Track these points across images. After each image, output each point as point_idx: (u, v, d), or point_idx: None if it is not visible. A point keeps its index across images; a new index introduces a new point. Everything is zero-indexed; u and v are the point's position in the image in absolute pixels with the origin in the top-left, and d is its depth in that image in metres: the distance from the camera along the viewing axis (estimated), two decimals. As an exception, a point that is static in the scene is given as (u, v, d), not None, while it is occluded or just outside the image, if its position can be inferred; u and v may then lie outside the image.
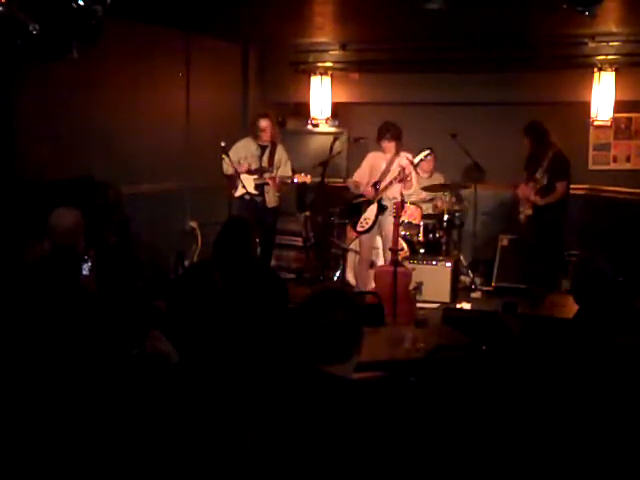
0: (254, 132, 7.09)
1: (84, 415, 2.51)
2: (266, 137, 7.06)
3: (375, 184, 6.70)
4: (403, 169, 6.51)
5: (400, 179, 6.54)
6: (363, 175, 6.84)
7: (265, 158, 7.07)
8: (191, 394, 2.69)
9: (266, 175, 7.01)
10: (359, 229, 6.79)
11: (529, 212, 6.84)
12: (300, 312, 2.40)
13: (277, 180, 6.99)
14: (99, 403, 2.52)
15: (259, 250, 6.75)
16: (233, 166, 6.89)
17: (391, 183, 6.62)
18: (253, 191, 6.98)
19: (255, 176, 7.01)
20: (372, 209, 6.72)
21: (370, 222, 6.71)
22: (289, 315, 3.84)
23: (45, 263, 4.10)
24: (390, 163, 6.68)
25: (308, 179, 6.97)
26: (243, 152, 7.05)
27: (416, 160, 6.54)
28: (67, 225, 4.22)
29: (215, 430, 2.52)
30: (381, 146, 6.70)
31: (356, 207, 6.82)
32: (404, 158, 6.60)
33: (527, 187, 6.83)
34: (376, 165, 6.78)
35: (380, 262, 7.01)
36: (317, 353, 2.34)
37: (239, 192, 7.01)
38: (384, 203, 6.67)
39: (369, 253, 6.94)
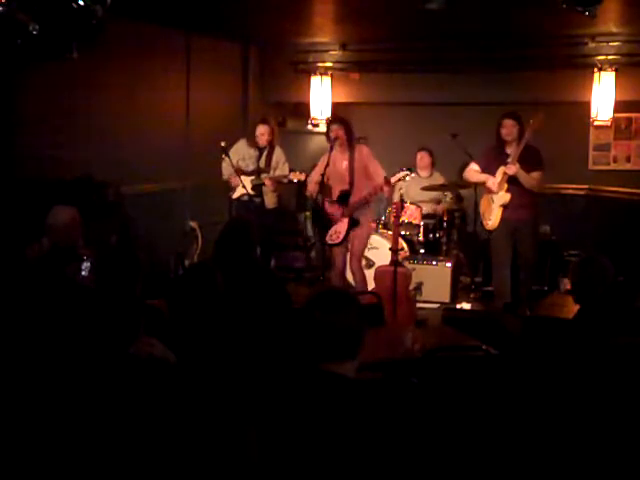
0: (252, 136, 7.10)
1: (82, 414, 2.51)
2: (263, 142, 7.07)
3: (343, 196, 6.32)
4: (367, 170, 6.21)
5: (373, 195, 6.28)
6: (318, 181, 6.35)
7: (263, 159, 7.08)
8: (192, 394, 2.69)
9: (263, 176, 7.01)
10: (329, 241, 6.42)
11: (504, 199, 6.28)
12: (304, 312, 2.41)
13: (273, 180, 6.99)
14: (98, 402, 2.52)
15: (259, 251, 6.74)
16: (234, 166, 6.90)
17: (365, 199, 6.30)
18: (251, 192, 6.98)
19: (252, 177, 7.02)
20: (343, 222, 6.35)
21: (341, 236, 6.33)
22: (292, 315, 3.84)
23: (44, 261, 4.10)
24: (351, 163, 6.31)
25: (303, 177, 6.95)
26: (241, 153, 7.06)
27: (394, 179, 6.17)
28: (64, 222, 4.23)
29: (217, 430, 2.52)
30: (333, 137, 6.25)
31: (323, 214, 6.43)
32: (362, 152, 6.32)
33: (497, 173, 6.34)
34: (336, 169, 6.33)
35: (379, 263, 6.97)
36: (322, 353, 2.34)
37: (237, 193, 7.02)
38: (356, 216, 6.33)
39: (342, 265, 6.52)
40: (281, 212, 7.62)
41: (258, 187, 7.03)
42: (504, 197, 6.31)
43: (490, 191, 6.44)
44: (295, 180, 7.00)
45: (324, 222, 6.44)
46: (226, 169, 7.07)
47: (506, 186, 6.30)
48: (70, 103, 6.17)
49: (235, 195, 7.05)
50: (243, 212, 6.97)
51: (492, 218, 6.43)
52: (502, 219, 6.37)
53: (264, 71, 8.93)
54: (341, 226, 6.38)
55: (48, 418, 2.54)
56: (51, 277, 3.99)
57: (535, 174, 6.28)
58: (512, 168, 6.20)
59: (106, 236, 5.98)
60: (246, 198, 6.98)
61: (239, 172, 6.94)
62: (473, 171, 6.59)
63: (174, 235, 7.52)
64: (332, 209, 6.40)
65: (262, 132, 7.05)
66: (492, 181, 6.37)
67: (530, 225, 6.44)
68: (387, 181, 6.17)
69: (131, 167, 6.74)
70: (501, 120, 6.37)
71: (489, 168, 6.44)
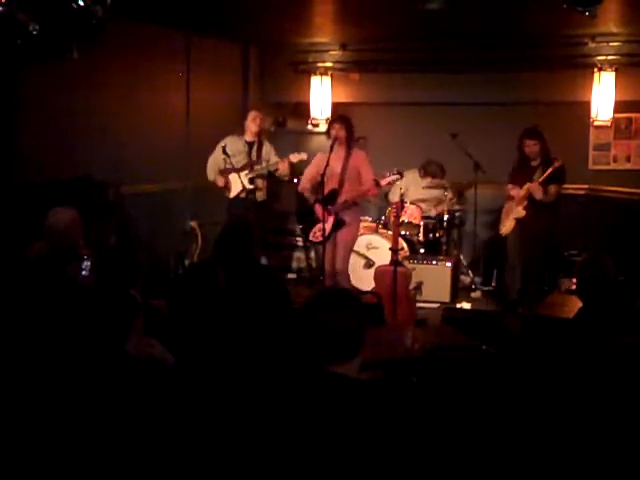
0: (241, 127, 7.08)
1: (81, 414, 2.51)
2: (254, 128, 7.03)
3: (331, 194, 6.23)
4: (359, 174, 6.20)
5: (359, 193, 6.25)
6: (311, 178, 6.40)
7: (253, 153, 7.06)
8: (192, 394, 2.69)
9: (256, 167, 6.98)
10: (312, 239, 6.39)
11: (519, 214, 6.65)
12: (305, 312, 2.41)
13: (286, 162, 6.91)
14: (96, 402, 2.52)
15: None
16: (231, 165, 6.87)
17: (352, 200, 6.25)
18: (249, 186, 6.94)
19: (246, 171, 6.97)
20: (329, 221, 6.25)
21: (325, 234, 6.25)
22: (293, 315, 3.84)
23: (44, 261, 4.10)
24: (345, 164, 6.26)
25: (304, 156, 6.92)
26: (230, 150, 6.98)
27: (383, 182, 6.22)
28: (64, 225, 4.22)
29: (217, 430, 2.52)
30: (332, 136, 6.22)
31: (311, 212, 6.35)
32: (358, 156, 6.30)
33: (523, 188, 6.66)
34: (331, 167, 6.18)
35: (379, 263, 6.95)
36: (323, 353, 2.34)
37: (234, 192, 6.98)
38: (342, 217, 6.26)
39: (330, 265, 6.41)
40: (282, 211, 7.61)
41: (253, 180, 6.98)
42: (520, 212, 6.68)
43: (513, 198, 6.78)
44: (295, 161, 6.96)
45: (310, 219, 6.39)
46: (211, 168, 7.04)
47: (525, 203, 6.63)
48: (70, 103, 6.17)
49: (232, 194, 7.01)
50: (241, 210, 6.91)
51: (506, 225, 6.83)
52: (517, 223, 6.72)
53: (264, 71, 8.92)
54: (327, 224, 6.28)
55: (47, 419, 2.54)
56: (51, 277, 3.99)
57: (553, 189, 6.56)
58: (538, 192, 6.51)
59: (106, 236, 5.98)
60: (243, 195, 6.95)
61: (228, 171, 6.91)
62: (509, 189, 6.88)
63: (174, 235, 7.52)
64: (318, 210, 6.31)
65: (254, 117, 7.05)
66: (517, 190, 6.72)
67: (543, 235, 6.68)
68: (377, 183, 6.19)
69: (131, 167, 6.74)
70: (523, 140, 6.68)
71: (517, 182, 6.76)
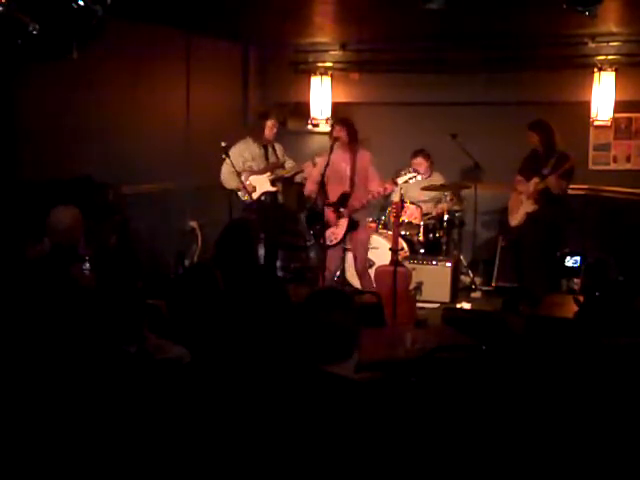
0: (258, 132, 7.09)
1: (82, 410, 2.52)
2: (271, 136, 7.12)
3: (343, 197, 6.25)
4: (367, 175, 6.25)
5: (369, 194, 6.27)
6: (316, 182, 6.30)
7: (270, 155, 7.15)
8: (192, 394, 2.69)
9: (277, 171, 7.08)
10: (327, 243, 6.31)
11: (531, 209, 6.74)
12: (298, 312, 2.41)
13: (310, 164, 6.85)
14: (94, 400, 2.52)
15: (264, 251, 6.80)
16: (234, 168, 6.79)
17: (368, 203, 6.34)
18: (271, 188, 7.03)
19: (268, 173, 7.04)
20: (342, 224, 6.28)
21: (339, 237, 6.30)
22: (290, 316, 3.84)
23: (46, 261, 4.10)
24: (353, 166, 6.27)
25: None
26: (247, 154, 7.03)
27: (400, 180, 6.23)
28: (66, 224, 4.22)
29: (215, 430, 2.52)
30: (334, 137, 6.22)
31: (321, 215, 6.23)
32: (365, 157, 6.31)
33: (531, 183, 6.75)
34: (336, 170, 6.19)
35: (379, 263, 6.95)
36: (317, 353, 2.34)
37: (257, 194, 6.96)
38: (355, 218, 6.30)
39: (335, 269, 6.52)
40: (286, 207, 7.64)
41: (275, 182, 7.08)
42: (532, 207, 6.79)
43: (520, 192, 6.89)
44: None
45: (321, 223, 6.32)
46: (229, 176, 6.90)
47: (537, 196, 6.73)
48: (70, 103, 6.17)
49: (255, 196, 6.92)
50: (261, 212, 6.86)
51: (517, 218, 6.93)
52: (528, 216, 6.83)
53: (264, 71, 8.93)
54: (340, 228, 6.33)
55: (49, 417, 2.54)
56: (53, 277, 3.99)
57: (564, 183, 6.67)
58: (555, 188, 6.61)
59: (106, 236, 5.98)
60: (263, 198, 7.00)
61: (239, 174, 6.90)
62: (517, 180, 6.99)
63: (174, 235, 7.52)
64: (329, 214, 6.27)
65: (271, 125, 7.11)
66: (525, 185, 6.84)
67: (552, 228, 6.80)
68: (394, 182, 6.24)
69: (131, 167, 6.73)
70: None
71: (525, 174, 6.88)
